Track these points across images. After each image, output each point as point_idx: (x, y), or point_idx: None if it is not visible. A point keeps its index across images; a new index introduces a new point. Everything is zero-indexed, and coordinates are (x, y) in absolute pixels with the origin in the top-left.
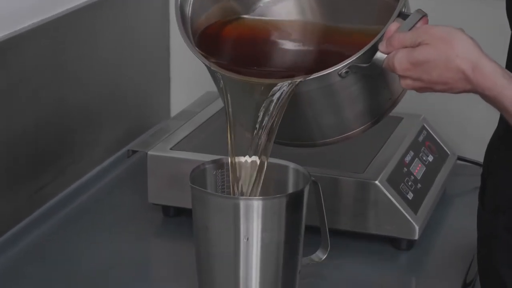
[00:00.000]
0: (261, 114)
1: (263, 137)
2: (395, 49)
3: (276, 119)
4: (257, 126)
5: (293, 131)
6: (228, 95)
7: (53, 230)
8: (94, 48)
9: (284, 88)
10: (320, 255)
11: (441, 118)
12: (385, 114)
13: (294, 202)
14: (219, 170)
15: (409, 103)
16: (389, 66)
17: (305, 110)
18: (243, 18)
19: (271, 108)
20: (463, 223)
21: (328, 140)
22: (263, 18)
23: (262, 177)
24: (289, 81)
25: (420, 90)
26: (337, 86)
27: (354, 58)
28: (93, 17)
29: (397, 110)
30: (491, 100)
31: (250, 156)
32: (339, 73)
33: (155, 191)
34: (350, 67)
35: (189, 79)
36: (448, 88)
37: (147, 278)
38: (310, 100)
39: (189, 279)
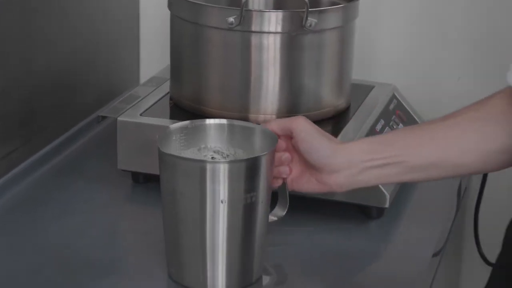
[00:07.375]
0: None
1: None
2: None
3: None
4: None
5: None
6: None
7: (21, 197)
8: (63, 14)
9: None
10: (279, 213)
11: (412, 87)
12: None
13: (261, 164)
14: (183, 133)
15: (380, 72)
16: None
17: None
18: None
19: None
20: (432, 192)
21: None
22: None
23: None
24: None
25: None
26: None
27: None
28: None
29: (368, 78)
30: None
31: None
32: None
33: (125, 157)
34: None
35: (159, 46)
36: None
37: (116, 245)
38: None
39: (157, 245)
